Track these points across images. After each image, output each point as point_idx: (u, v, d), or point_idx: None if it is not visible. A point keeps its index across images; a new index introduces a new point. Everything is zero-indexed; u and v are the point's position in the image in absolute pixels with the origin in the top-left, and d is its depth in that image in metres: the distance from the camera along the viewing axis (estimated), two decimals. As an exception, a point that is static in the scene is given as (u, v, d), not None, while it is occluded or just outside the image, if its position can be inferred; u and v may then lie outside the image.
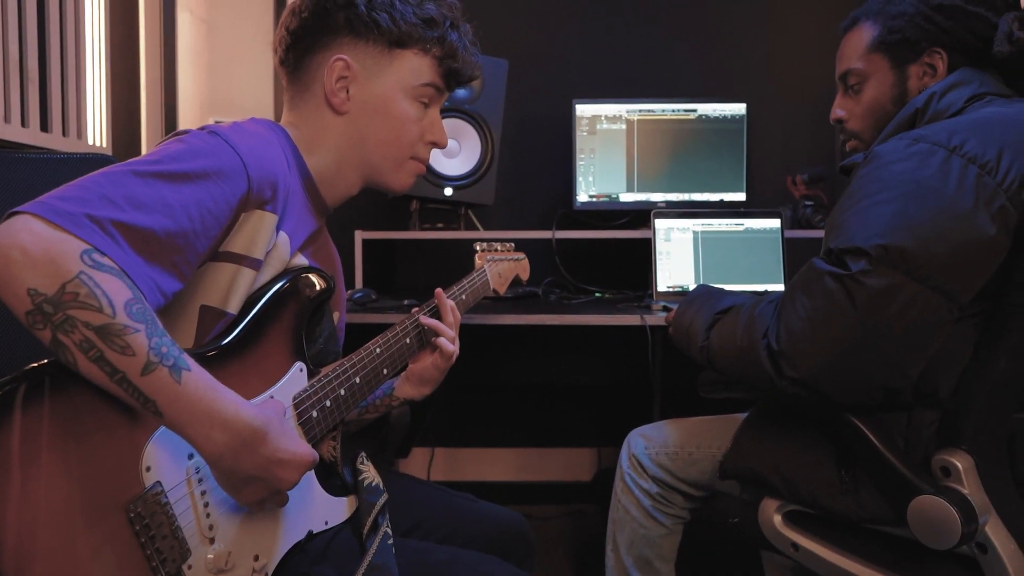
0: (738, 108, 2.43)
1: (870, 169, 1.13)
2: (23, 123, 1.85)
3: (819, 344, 1.07)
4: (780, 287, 2.10)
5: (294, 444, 0.88)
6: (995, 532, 1.06)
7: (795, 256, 2.13)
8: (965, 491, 1.06)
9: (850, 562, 1.20)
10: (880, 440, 1.12)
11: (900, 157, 1.10)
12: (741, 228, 2.12)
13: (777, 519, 1.29)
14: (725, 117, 2.43)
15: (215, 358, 0.92)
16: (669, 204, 2.42)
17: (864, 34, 1.34)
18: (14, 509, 0.72)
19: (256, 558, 0.93)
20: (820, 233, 2.30)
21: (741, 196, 2.43)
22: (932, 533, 1.06)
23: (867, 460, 1.15)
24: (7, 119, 1.79)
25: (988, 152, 1.07)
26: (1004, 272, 1.07)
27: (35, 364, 0.76)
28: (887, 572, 1.17)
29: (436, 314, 1.24)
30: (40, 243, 0.74)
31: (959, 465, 1.06)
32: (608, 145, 2.42)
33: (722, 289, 1.43)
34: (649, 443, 1.53)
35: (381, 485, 1.12)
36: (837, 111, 1.42)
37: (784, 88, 2.69)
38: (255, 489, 0.87)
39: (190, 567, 0.85)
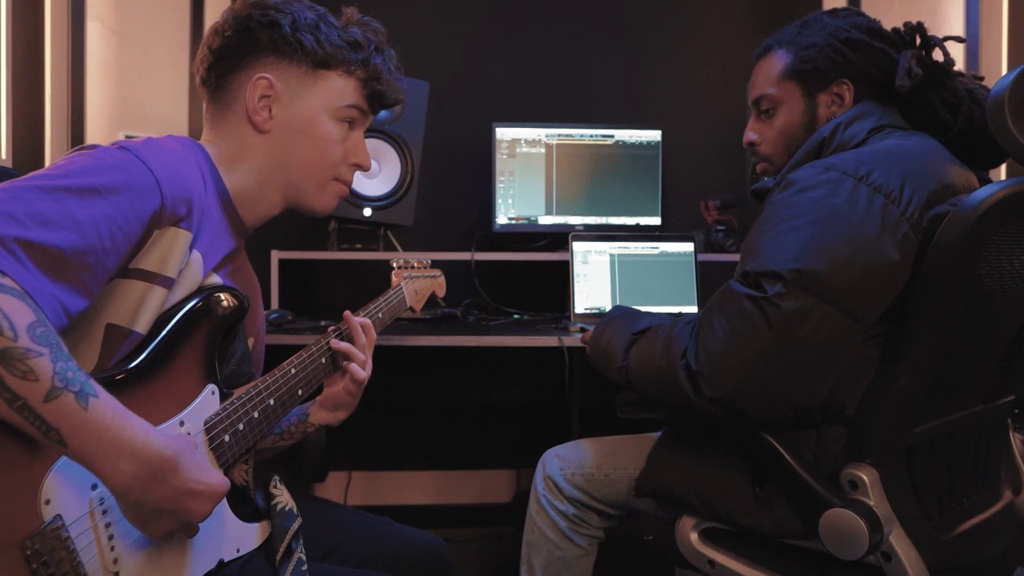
0: (653, 135, 2.50)
1: (784, 195, 1.17)
2: (-85, 134, 1.75)
3: (736, 364, 1.10)
4: (694, 309, 2.15)
5: (207, 474, 0.85)
6: (898, 541, 1.11)
7: (708, 279, 2.20)
8: (871, 503, 1.10)
9: None
10: (792, 456, 1.16)
11: (812, 184, 1.15)
12: (656, 251, 2.17)
13: (693, 536, 1.30)
14: (641, 143, 2.50)
15: (123, 382, 0.89)
16: (587, 227, 2.46)
17: (777, 62, 1.39)
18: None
19: (163, 590, 0.90)
20: (732, 257, 2.39)
21: (656, 220, 2.50)
22: (842, 544, 1.09)
23: (780, 476, 1.18)
24: None
25: (892, 182, 1.12)
26: (904, 296, 1.12)
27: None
28: (802, 585, 1.20)
29: (348, 337, 1.23)
30: None
31: (865, 478, 1.10)
32: (527, 168, 2.45)
33: (638, 310, 1.45)
34: (565, 463, 1.52)
35: (295, 510, 1.09)
36: (749, 134, 1.47)
37: (698, 116, 2.79)
38: (164, 521, 0.84)
39: (91, 602, 0.81)
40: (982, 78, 1.37)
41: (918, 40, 1.33)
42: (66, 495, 0.80)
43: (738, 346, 1.10)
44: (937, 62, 1.32)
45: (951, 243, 1.07)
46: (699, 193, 2.63)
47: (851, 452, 1.15)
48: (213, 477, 0.86)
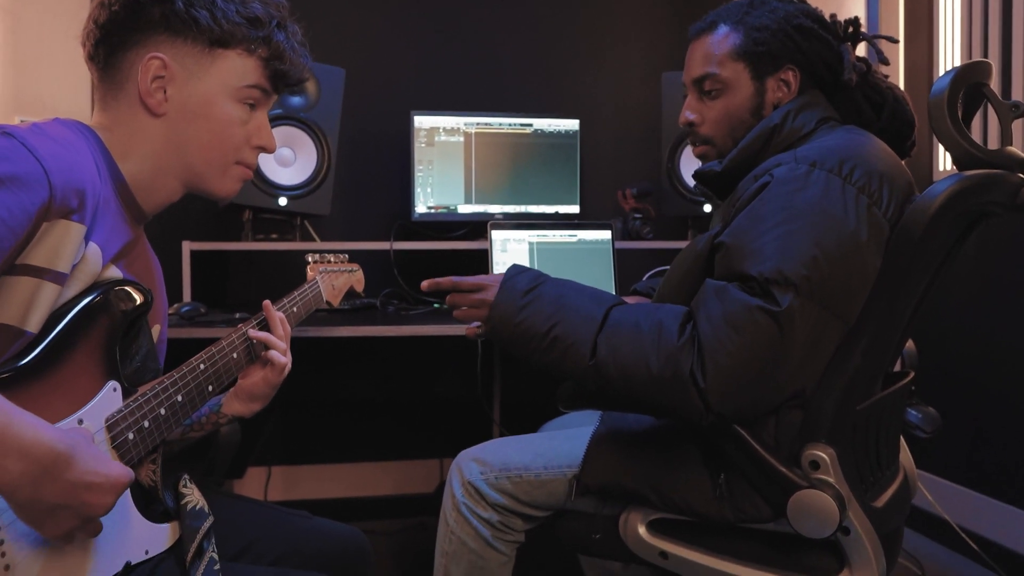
0: (571, 124, 2.52)
1: (777, 194, 1.15)
2: None
3: (750, 380, 1.09)
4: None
5: (105, 465, 0.82)
6: (855, 515, 1.14)
7: (625, 266, 2.23)
8: (832, 480, 1.13)
9: (722, 563, 1.23)
10: (756, 443, 1.16)
11: (802, 185, 1.14)
12: (575, 239, 2.19)
13: (641, 529, 1.28)
14: (559, 132, 2.51)
15: (10, 380, 0.84)
16: (506, 216, 2.46)
17: (725, 40, 1.33)
18: None
19: (63, 596, 0.86)
20: (649, 244, 2.43)
21: (575, 208, 2.52)
22: (813, 524, 1.12)
23: (742, 463, 1.18)
24: None
25: (873, 182, 1.14)
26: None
27: None
28: (759, 567, 1.21)
29: (266, 327, 1.20)
30: None
31: (826, 457, 1.13)
32: (446, 157, 2.44)
33: (546, 276, 1.27)
34: (486, 467, 1.42)
35: (206, 508, 1.06)
36: (688, 114, 1.39)
37: (614, 106, 2.82)
38: (62, 519, 0.80)
39: (-17, 613, 0.77)
40: (887, 76, 1.40)
41: (850, 31, 1.34)
42: (-48, 501, 0.76)
43: (752, 362, 1.08)
44: (865, 59, 1.34)
45: (912, 237, 1.12)
46: (616, 182, 2.67)
47: (808, 433, 1.16)
48: (112, 468, 0.82)
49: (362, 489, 2.80)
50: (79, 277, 0.94)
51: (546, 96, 2.77)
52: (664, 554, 1.28)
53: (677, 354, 1.10)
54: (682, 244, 2.49)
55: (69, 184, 0.90)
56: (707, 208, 2.45)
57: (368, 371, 2.72)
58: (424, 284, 1.31)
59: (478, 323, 1.28)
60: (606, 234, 2.21)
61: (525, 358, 1.24)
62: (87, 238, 0.94)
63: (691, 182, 2.45)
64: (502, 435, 2.51)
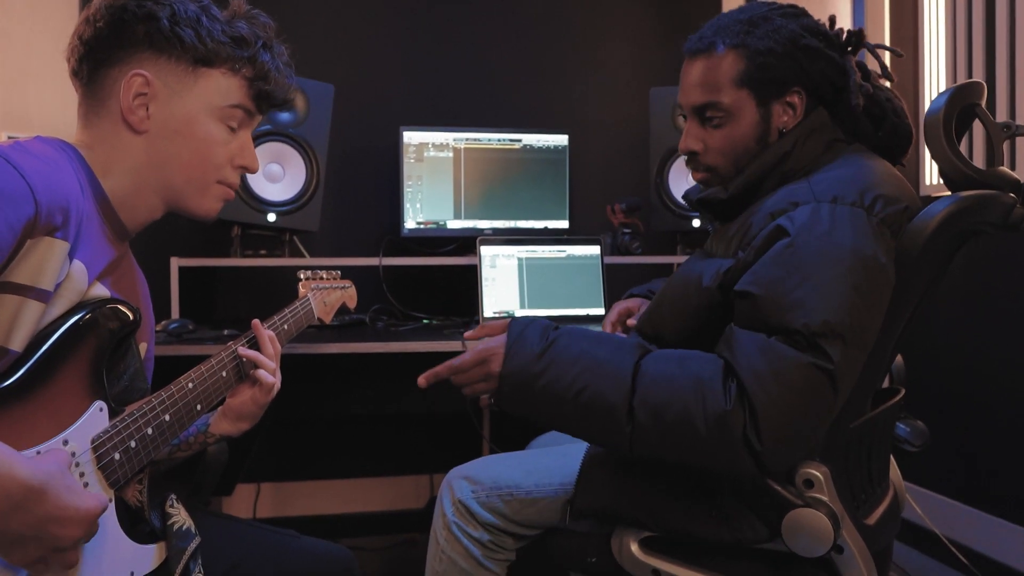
0: (560, 139, 2.53)
1: (806, 240, 1.11)
2: None
3: (806, 436, 1.07)
4: (600, 311, 2.18)
5: (77, 499, 0.81)
6: (848, 533, 1.14)
7: (614, 281, 2.24)
8: (826, 499, 1.12)
9: None
10: None
11: (830, 227, 1.11)
12: (564, 254, 2.19)
13: (634, 548, 1.26)
14: (548, 148, 2.52)
15: (-5, 402, 0.83)
16: (495, 231, 2.46)
17: (728, 66, 1.26)
18: None
19: (47, 620, 0.85)
20: (637, 259, 2.44)
21: (564, 224, 2.52)
22: (808, 543, 1.11)
23: (737, 483, 1.16)
24: None
25: (890, 208, 1.13)
26: None
27: None
28: (753, 585, 1.21)
29: (255, 346, 1.19)
30: None
31: (820, 476, 1.12)
32: (435, 172, 2.44)
33: (557, 330, 1.21)
34: (477, 486, 1.40)
35: (193, 528, 1.05)
36: (690, 143, 1.33)
37: (603, 122, 2.83)
38: (29, 549, 0.79)
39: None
40: (891, 79, 1.37)
41: (850, 39, 1.29)
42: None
43: (807, 419, 1.06)
44: (863, 65, 1.31)
45: (910, 256, 1.13)
46: (605, 197, 2.67)
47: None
48: (84, 501, 0.81)
49: (352, 505, 2.78)
50: (64, 295, 0.93)
51: (535, 111, 2.78)
52: (657, 572, 1.26)
53: (727, 418, 1.05)
54: (671, 259, 2.51)
55: (53, 201, 0.89)
56: (696, 223, 2.46)
57: (358, 387, 2.71)
58: (421, 381, 1.29)
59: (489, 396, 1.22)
60: (595, 249, 2.21)
61: (549, 425, 1.19)
62: (71, 255, 0.94)
63: (680, 198, 2.46)
64: (492, 451, 2.51)
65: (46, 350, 0.90)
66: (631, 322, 1.58)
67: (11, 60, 2.37)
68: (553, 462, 1.42)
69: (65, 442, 0.89)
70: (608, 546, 1.30)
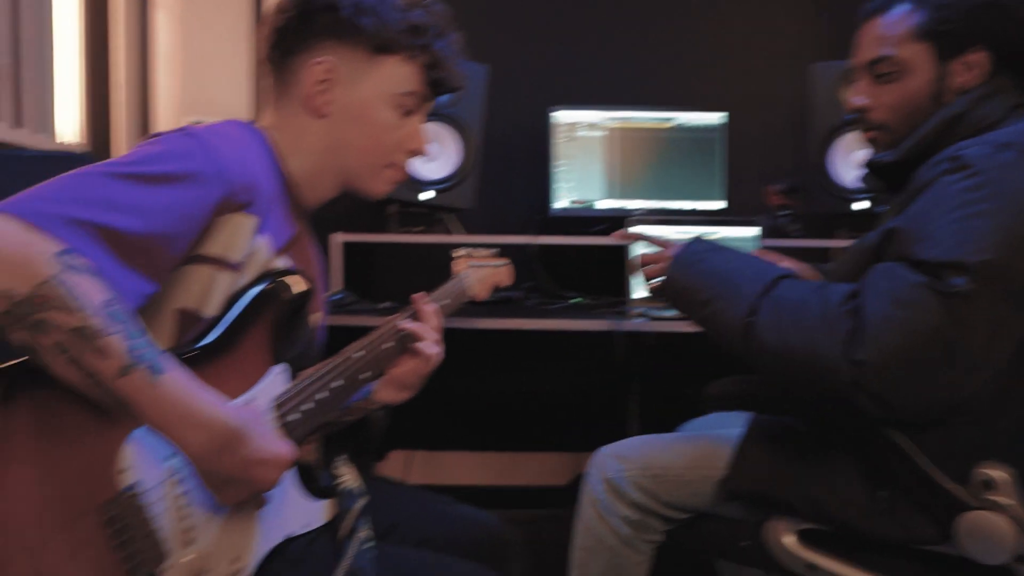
0: (716, 117, 2.45)
1: (958, 177, 1.07)
2: (-4, 119, 1.82)
3: (912, 362, 1.02)
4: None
5: (273, 444, 0.87)
6: None
7: (771, 264, 2.15)
8: (1009, 503, 1.04)
9: None
10: (922, 456, 1.09)
11: (989, 165, 1.06)
12: (717, 236, 2.13)
13: (789, 540, 1.23)
14: (703, 126, 2.46)
15: (193, 360, 0.91)
16: (646, 211, 2.43)
17: (905, 19, 1.23)
18: (-10, 508, 0.70)
19: (234, 561, 0.92)
20: (796, 243, 2.34)
21: (719, 205, 2.46)
22: (986, 549, 1.04)
23: (905, 477, 1.11)
24: (-21, 115, 1.76)
25: None
26: None
27: (10, 363, 0.75)
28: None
29: (417, 320, 1.24)
30: (14, 244, 0.73)
31: (1001, 477, 1.05)
32: (586, 152, 2.43)
33: (737, 251, 1.28)
34: (627, 465, 1.40)
35: (361, 488, 1.11)
36: (858, 99, 1.30)
37: (763, 98, 2.72)
38: (235, 490, 0.86)
39: (165, 570, 0.84)
40: None
41: None
42: (142, 464, 0.83)
43: (918, 343, 1.01)
44: None
45: None
46: (762, 177, 2.58)
47: (981, 449, 1.08)
48: (279, 447, 0.88)
49: (496, 478, 2.85)
50: (250, 266, 1.01)
51: (690, 89, 2.72)
52: (812, 567, 1.22)
53: (836, 322, 1.05)
54: (831, 243, 2.39)
55: (242, 180, 0.96)
56: (856, 206, 2.33)
57: (508, 363, 2.76)
58: (615, 234, 1.49)
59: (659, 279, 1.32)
60: (752, 231, 2.14)
61: (688, 311, 1.24)
62: (257, 230, 1.01)
63: (843, 178, 2.34)
64: (639, 434, 2.49)
65: (234, 316, 0.97)
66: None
67: (194, 48, 2.56)
68: (707, 445, 1.39)
69: (250, 401, 0.96)
70: (760, 534, 1.27)
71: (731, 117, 2.49)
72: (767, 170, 2.64)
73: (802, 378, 1.10)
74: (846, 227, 2.44)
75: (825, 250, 2.43)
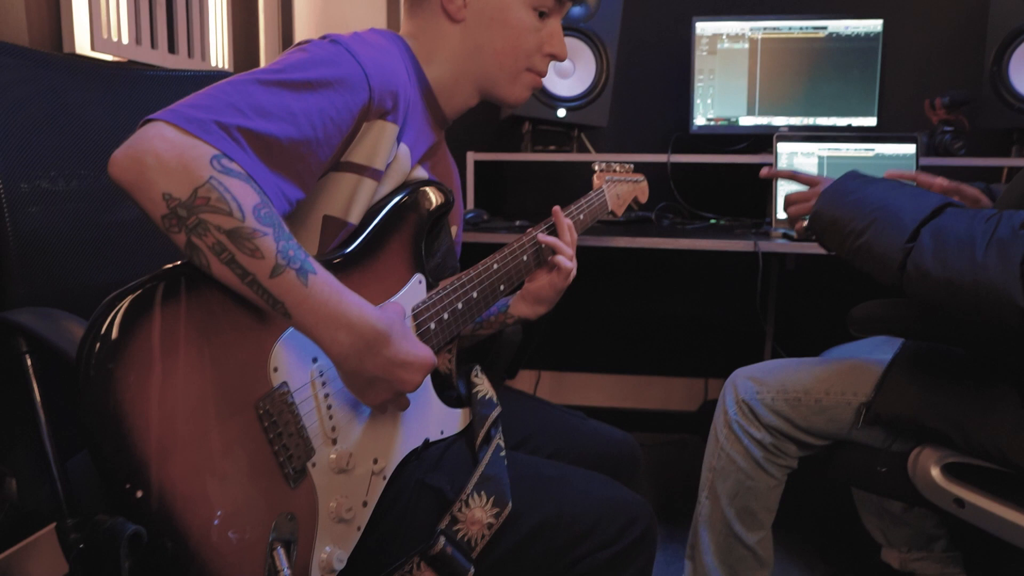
0: (873, 25, 2.26)
1: None
2: (152, 45, 1.91)
3: None
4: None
5: (415, 347, 0.89)
6: None
7: (930, 184, 1.99)
8: None
9: None
10: None
11: None
12: (871, 154, 1.99)
13: (935, 472, 1.17)
14: (858, 35, 2.27)
15: (338, 266, 0.94)
16: (792, 128, 2.30)
17: None
18: (155, 401, 0.75)
19: (375, 461, 0.96)
20: (959, 161, 2.15)
21: (872, 121, 2.29)
22: None
23: None
24: (138, 41, 1.85)
25: None
26: None
27: (172, 265, 0.79)
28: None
29: (554, 232, 1.23)
30: (172, 149, 0.76)
31: None
32: (729, 66, 2.31)
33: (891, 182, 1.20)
34: (762, 387, 1.38)
35: (495, 398, 1.13)
36: None
37: (924, 3, 2.48)
38: (379, 390, 0.89)
39: (314, 465, 0.88)
40: None
41: None
42: (291, 364, 0.86)
43: None
44: None
45: None
46: (923, 90, 2.37)
47: None
48: (421, 349, 0.90)
49: (624, 400, 2.85)
50: (391, 175, 1.02)
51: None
52: (960, 501, 1.15)
53: (1009, 243, 0.97)
54: (1002, 161, 2.18)
55: (385, 86, 0.97)
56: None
57: (640, 284, 2.73)
58: (763, 172, 1.43)
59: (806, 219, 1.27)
60: (909, 148, 1.98)
61: (838, 244, 1.18)
62: (399, 138, 1.01)
63: (1023, 89, 2.12)
64: (776, 355, 2.42)
65: (376, 224, 0.99)
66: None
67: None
68: (850, 369, 1.34)
69: (391, 303, 0.99)
70: (903, 465, 1.21)
71: (889, 24, 2.29)
72: (928, 83, 2.42)
73: (967, 306, 1.02)
74: (1022, 144, 2.22)
75: (995, 169, 2.23)
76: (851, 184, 1.20)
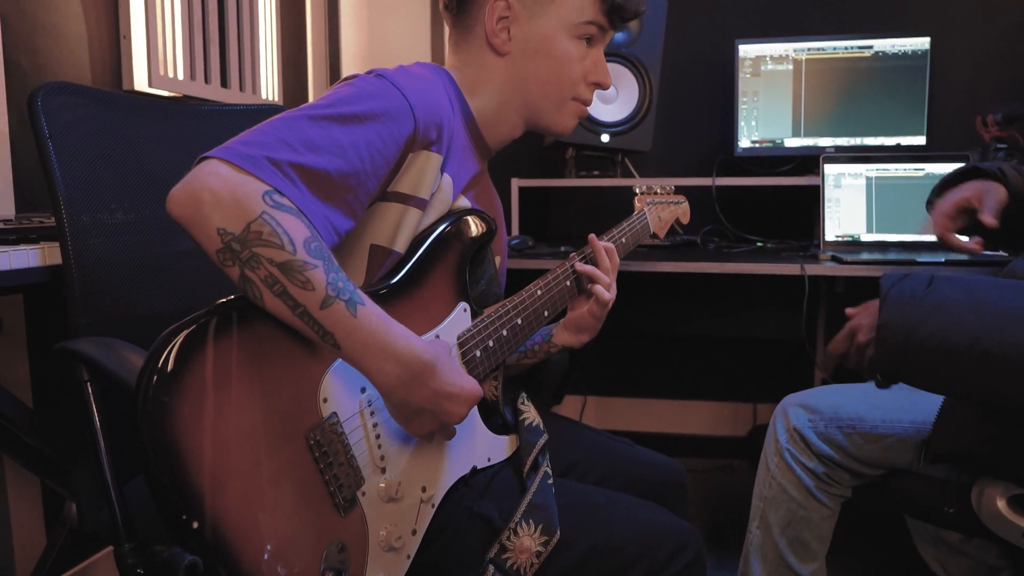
0: (920, 43, 2.23)
1: None
2: (206, 80, 1.98)
3: None
4: (963, 238, 1.92)
5: (461, 379, 0.90)
6: None
7: (983, 204, 1.95)
8: None
9: None
10: None
11: None
12: (921, 174, 1.96)
13: (1001, 504, 1.14)
14: (905, 53, 2.25)
15: (385, 296, 0.95)
16: (838, 149, 2.27)
17: None
18: (209, 434, 0.77)
19: (424, 489, 0.97)
20: (1013, 179, 2.10)
21: (921, 140, 2.25)
22: None
23: None
24: (193, 77, 1.92)
25: None
26: None
27: (225, 299, 0.81)
28: None
29: (592, 261, 1.23)
30: (227, 185, 0.79)
31: None
32: (773, 87, 2.30)
33: (936, 274, 1.08)
34: (814, 415, 1.36)
35: (541, 425, 1.13)
36: None
37: (972, 18, 2.45)
38: (425, 421, 0.90)
39: (364, 494, 0.89)
40: None
41: None
42: (340, 395, 0.88)
43: None
44: None
45: None
46: (973, 107, 2.33)
47: None
48: (467, 382, 0.91)
49: (671, 426, 2.82)
50: (436, 204, 1.04)
51: (889, 12, 2.48)
52: None
53: None
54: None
55: (430, 117, 0.99)
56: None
57: (685, 308, 2.71)
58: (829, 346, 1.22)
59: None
60: (960, 167, 1.94)
61: (940, 387, 1.05)
62: (443, 168, 1.03)
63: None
64: (824, 384, 2.37)
65: (422, 253, 1.01)
66: (987, 219, 1.30)
67: (377, 4, 2.64)
68: (905, 397, 1.30)
69: (437, 337, 1.00)
70: (967, 497, 1.17)
71: (937, 41, 2.26)
72: (978, 100, 2.38)
73: None
74: (1077, 161, 2.16)
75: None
76: (912, 290, 1.05)
